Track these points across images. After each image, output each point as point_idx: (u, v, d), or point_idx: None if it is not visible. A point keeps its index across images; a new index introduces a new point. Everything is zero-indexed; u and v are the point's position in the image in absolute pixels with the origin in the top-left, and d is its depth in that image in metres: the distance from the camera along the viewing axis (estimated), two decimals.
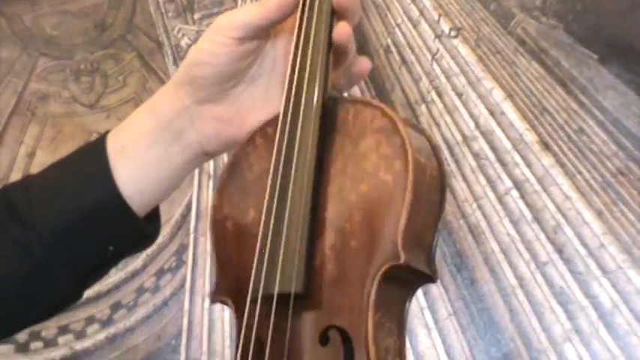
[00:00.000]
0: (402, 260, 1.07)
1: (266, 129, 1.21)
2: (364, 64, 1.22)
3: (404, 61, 2.15)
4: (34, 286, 1.24)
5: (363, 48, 2.15)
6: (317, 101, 1.18)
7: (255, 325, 1.12)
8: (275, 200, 1.15)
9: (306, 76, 1.19)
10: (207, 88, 1.22)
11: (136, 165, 1.22)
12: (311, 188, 1.15)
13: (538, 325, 2.00)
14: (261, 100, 1.24)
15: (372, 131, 1.14)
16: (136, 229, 1.24)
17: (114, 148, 1.22)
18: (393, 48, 2.15)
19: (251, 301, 1.12)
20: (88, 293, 2.00)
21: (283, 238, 1.13)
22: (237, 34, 1.18)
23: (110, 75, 2.13)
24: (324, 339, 1.09)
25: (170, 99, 1.24)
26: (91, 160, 1.24)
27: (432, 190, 1.13)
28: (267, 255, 1.12)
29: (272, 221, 1.14)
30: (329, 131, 1.17)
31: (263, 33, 1.21)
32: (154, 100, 1.26)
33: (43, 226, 1.21)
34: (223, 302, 1.18)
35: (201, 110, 1.21)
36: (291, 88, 1.18)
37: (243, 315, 1.13)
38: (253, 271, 1.12)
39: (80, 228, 1.22)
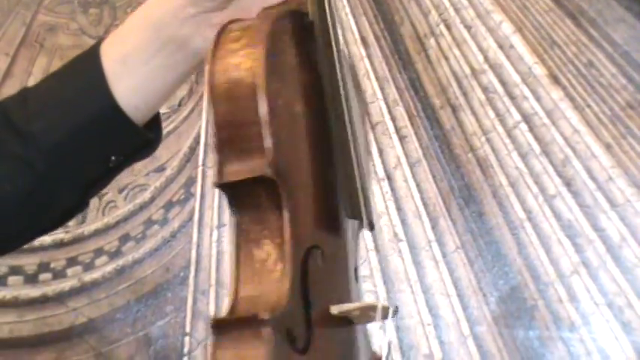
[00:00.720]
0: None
1: (284, 19, 1.18)
2: None
3: None
4: (38, 199, 1.24)
5: None
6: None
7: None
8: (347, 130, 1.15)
9: None
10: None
11: (138, 75, 1.21)
12: None
13: (546, 258, 1.98)
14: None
15: None
16: (137, 138, 1.24)
17: (112, 59, 1.21)
18: None
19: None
20: (97, 225, 2.13)
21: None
22: None
23: (118, 7, 2.12)
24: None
25: (171, 9, 1.21)
26: (86, 71, 1.23)
27: None
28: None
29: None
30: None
31: None
32: (149, 10, 1.24)
33: (42, 139, 1.21)
34: (267, 182, 1.13)
35: (209, 17, 1.20)
36: None
37: (294, 209, 1.11)
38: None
39: (79, 140, 1.22)
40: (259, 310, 1.04)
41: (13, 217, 1.27)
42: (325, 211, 1.16)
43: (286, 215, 1.10)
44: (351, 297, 1.20)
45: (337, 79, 1.18)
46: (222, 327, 1.05)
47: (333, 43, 1.20)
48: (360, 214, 1.18)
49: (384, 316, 1.16)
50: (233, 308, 1.06)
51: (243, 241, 1.11)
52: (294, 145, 1.15)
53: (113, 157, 1.25)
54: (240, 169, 1.09)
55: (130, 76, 1.21)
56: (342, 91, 1.18)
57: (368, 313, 1.16)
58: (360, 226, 1.22)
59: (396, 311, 1.18)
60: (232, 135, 1.11)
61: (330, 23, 1.20)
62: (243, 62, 1.13)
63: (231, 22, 1.18)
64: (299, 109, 1.17)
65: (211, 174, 2.07)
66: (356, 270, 1.23)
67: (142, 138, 1.25)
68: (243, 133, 1.11)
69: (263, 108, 1.10)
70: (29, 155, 1.21)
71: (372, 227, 1.20)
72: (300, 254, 1.11)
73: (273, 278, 1.09)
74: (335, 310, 1.12)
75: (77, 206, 1.30)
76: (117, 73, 1.21)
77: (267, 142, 1.09)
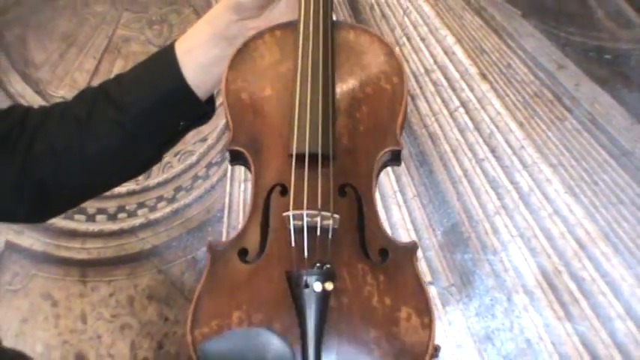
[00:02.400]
0: (401, 146, 1.21)
1: (275, 30, 1.28)
2: None
3: (383, 15, 2.18)
4: (127, 152, 1.33)
5: (353, 4, 2.19)
6: (327, 11, 1.26)
7: (281, 174, 1.19)
8: (309, 81, 1.22)
9: None
10: (249, 10, 1.31)
11: (200, 63, 1.31)
12: (331, 77, 1.23)
13: (477, 203, 2.10)
14: (284, 13, 1.32)
15: (373, 51, 1.26)
16: (198, 109, 1.34)
17: (182, 52, 1.31)
18: (375, 6, 2.18)
19: (288, 155, 1.19)
20: (158, 179, 2.17)
21: (320, 112, 1.20)
22: None
23: (174, 25, 2.16)
24: (342, 192, 1.19)
25: (223, 17, 1.32)
26: (165, 62, 1.33)
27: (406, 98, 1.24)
28: (308, 123, 1.19)
29: (308, 96, 1.21)
30: (334, 40, 1.26)
31: None
32: (209, 18, 1.33)
33: (132, 108, 1.31)
34: (237, 152, 1.22)
35: (246, 23, 1.31)
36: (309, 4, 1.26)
37: (260, 166, 1.20)
38: (295, 134, 1.19)
39: (159, 109, 1.31)
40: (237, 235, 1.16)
41: (108, 164, 1.35)
42: (286, 158, 1.19)
43: (254, 167, 1.20)
44: None
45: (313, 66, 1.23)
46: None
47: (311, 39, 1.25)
48: (324, 147, 1.18)
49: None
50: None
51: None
52: (258, 122, 1.22)
53: (182, 123, 1.35)
54: (226, 142, 1.23)
55: (196, 63, 1.31)
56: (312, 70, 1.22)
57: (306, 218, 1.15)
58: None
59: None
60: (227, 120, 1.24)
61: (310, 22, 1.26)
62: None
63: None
64: (268, 92, 1.24)
65: None
66: None
67: (202, 109, 1.34)
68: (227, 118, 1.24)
69: (224, 104, 1.23)
70: (122, 119, 1.31)
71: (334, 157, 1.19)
72: (264, 193, 1.19)
73: (250, 211, 1.19)
74: (286, 214, 1.15)
75: (153, 159, 1.39)
76: (186, 61, 1.31)
77: (230, 124, 1.23)
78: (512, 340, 2.03)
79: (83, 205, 2.02)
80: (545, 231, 2.06)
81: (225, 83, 1.24)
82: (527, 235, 2.07)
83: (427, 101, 2.17)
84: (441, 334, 2.06)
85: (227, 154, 1.23)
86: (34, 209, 1.37)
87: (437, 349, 1.14)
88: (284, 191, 1.18)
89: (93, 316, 2.12)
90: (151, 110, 1.31)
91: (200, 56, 1.31)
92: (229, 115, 1.23)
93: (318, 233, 1.15)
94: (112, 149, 1.32)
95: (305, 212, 1.15)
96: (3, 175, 1.32)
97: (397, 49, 2.15)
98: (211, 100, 1.36)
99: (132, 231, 2.23)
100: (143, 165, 1.39)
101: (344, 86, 1.24)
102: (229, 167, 2.20)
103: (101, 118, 1.31)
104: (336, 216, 1.15)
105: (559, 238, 2.06)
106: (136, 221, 2.24)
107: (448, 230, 2.12)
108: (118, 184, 1.45)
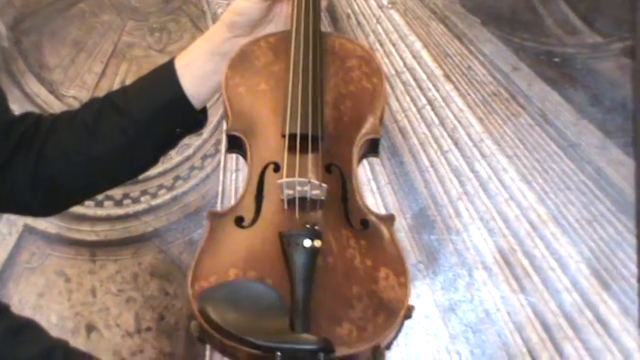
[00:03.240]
0: (379, 135, 1.27)
1: (269, 38, 1.34)
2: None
3: (358, 23, 2.20)
4: (128, 153, 1.36)
5: (332, 14, 2.21)
6: (316, 24, 1.32)
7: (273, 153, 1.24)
8: (300, 75, 1.27)
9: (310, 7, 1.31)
10: (242, 29, 1.34)
11: (196, 75, 1.35)
12: (320, 74, 1.29)
13: (441, 190, 2.16)
14: (273, 31, 1.36)
15: (356, 57, 1.33)
16: (193, 117, 1.37)
17: (180, 66, 1.35)
18: (352, 15, 2.21)
19: (282, 135, 1.24)
20: (158, 169, 2.17)
21: (310, 100, 1.26)
22: None
23: (172, 32, 2.16)
24: (328, 169, 1.24)
25: (218, 34, 1.35)
26: (165, 74, 1.36)
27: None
28: (299, 107, 1.25)
29: (300, 86, 1.26)
30: (322, 46, 1.31)
31: None
32: (207, 35, 1.38)
33: (135, 115, 1.34)
34: (234, 137, 1.26)
35: (238, 40, 1.34)
36: (300, 13, 1.31)
37: (255, 147, 1.25)
38: (288, 117, 1.24)
39: (159, 116, 1.34)
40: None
41: (112, 164, 1.37)
42: (279, 139, 1.25)
43: (250, 151, 1.24)
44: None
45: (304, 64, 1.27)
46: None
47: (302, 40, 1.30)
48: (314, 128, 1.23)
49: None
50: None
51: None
52: (254, 110, 1.27)
53: (178, 130, 1.37)
54: (226, 129, 1.28)
55: (192, 75, 1.34)
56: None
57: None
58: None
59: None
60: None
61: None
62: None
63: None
64: (263, 86, 1.30)
65: None
66: None
67: (197, 118, 1.37)
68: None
69: (223, 96, 1.29)
70: (125, 125, 1.34)
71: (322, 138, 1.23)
72: (259, 170, 1.23)
73: (245, 187, 1.23)
74: (280, 181, 1.19)
75: (151, 162, 1.42)
76: (184, 73, 1.34)
77: (228, 113, 1.27)
78: (472, 311, 2.10)
79: None
80: (502, 214, 2.13)
81: (225, 79, 1.29)
82: (486, 218, 2.13)
83: (397, 99, 2.20)
84: None
85: (225, 141, 1.31)
86: (45, 204, 1.40)
87: (410, 309, 1.18)
88: (277, 168, 1.23)
89: (101, 290, 2.15)
90: (152, 117, 1.34)
91: (196, 69, 1.34)
92: (228, 106, 1.28)
93: (308, 202, 1.19)
94: (115, 151, 1.35)
95: (297, 180, 1.19)
96: (19, 173, 1.34)
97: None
98: (204, 110, 1.39)
99: (136, 215, 2.22)
100: (142, 166, 1.42)
101: (331, 82, 1.30)
102: (222, 159, 2.21)
103: (107, 123, 1.34)
104: (324, 185, 1.20)
105: (514, 221, 2.12)
106: (140, 207, 2.23)
107: (416, 214, 2.16)
108: (119, 183, 1.48)
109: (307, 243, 1.13)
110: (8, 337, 1.07)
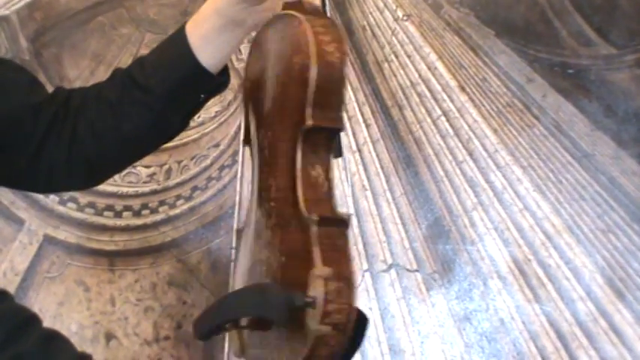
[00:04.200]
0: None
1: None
2: None
3: (374, 35, 2.19)
4: (157, 126, 1.37)
5: (348, 26, 2.21)
6: None
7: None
8: None
9: None
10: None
11: (214, 45, 1.32)
12: None
13: (456, 200, 2.15)
14: None
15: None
16: (214, 82, 1.35)
17: (195, 39, 1.32)
18: (367, 27, 2.20)
19: None
20: (177, 180, 2.22)
21: None
22: None
23: None
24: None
25: (232, 7, 1.31)
26: (180, 50, 1.34)
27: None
28: None
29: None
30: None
31: None
32: (217, 8, 1.32)
33: (157, 89, 1.33)
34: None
35: (255, 8, 1.30)
36: None
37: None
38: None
39: (180, 87, 1.33)
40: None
41: (143, 139, 1.39)
42: None
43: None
44: None
45: None
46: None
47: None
48: None
49: None
50: None
51: None
52: None
53: (202, 95, 1.37)
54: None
55: (208, 46, 1.32)
56: None
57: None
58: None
59: None
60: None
61: None
62: None
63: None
64: None
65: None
66: None
67: (217, 81, 1.35)
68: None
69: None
70: (149, 101, 1.33)
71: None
72: None
73: None
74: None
75: (181, 129, 1.41)
76: (199, 45, 1.32)
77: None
78: (487, 320, 2.09)
79: (111, 203, 2.19)
80: (517, 224, 2.12)
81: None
82: (501, 228, 2.12)
83: (413, 111, 2.20)
84: (425, 315, 2.11)
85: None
86: (83, 180, 1.44)
87: None
88: None
89: (120, 299, 2.16)
90: (174, 91, 1.33)
91: (213, 39, 1.32)
92: None
93: None
94: (144, 127, 1.35)
95: None
96: (55, 154, 1.35)
97: (386, 64, 2.21)
98: (225, 70, 1.37)
99: (154, 225, 2.23)
100: (173, 134, 1.42)
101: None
102: (239, 169, 2.20)
103: (130, 101, 1.34)
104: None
105: (528, 230, 2.11)
106: (158, 217, 2.24)
107: (432, 224, 2.16)
108: (152, 151, 1.48)
109: None
110: (43, 345, 1.07)
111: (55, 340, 1.10)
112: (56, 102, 1.37)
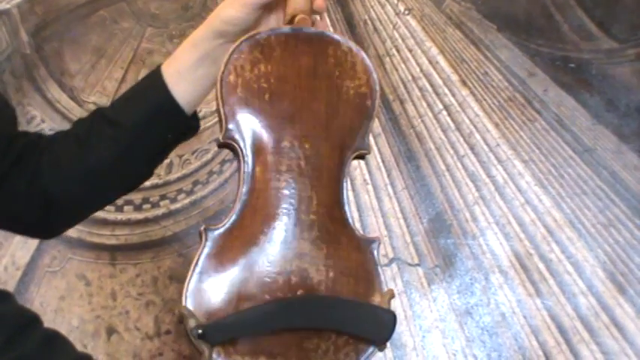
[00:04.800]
0: None
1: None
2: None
3: (375, 29, 2.18)
4: (122, 163, 1.33)
5: (349, 20, 2.20)
6: None
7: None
8: None
9: None
10: (232, 36, 1.27)
11: (188, 81, 1.30)
12: None
13: (458, 194, 2.14)
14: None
15: None
16: (185, 123, 1.33)
17: (170, 73, 1.30)
18: (369, 21, 2.18)
19: None
20: (178, 174, 2.18)
21: None
22: (254, 6, 1.26)
23: None
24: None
25: (209, 41, 1.29)
26: (152, 82, 1.32)
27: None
28: None
29: None
30: None
31: (267, 6, 1.27)
32: (194, 41, 1.31)
33: (125, 124, 1.30)
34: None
35: (229, 45, 1.25)
36: None
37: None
38: None
39: (149, 124, 1.31)
40: None
41: (106, 176, 1.34)
42: None
43: None
44: None
45: None
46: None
47: None
48: None
49: None
50: None
51: None
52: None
53: (169, 135, 1.33)
54: None
55: (182, 82, 1.30)
56: None
57: None
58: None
59: None
60: None
61: None
62: None
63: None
64: None
65: None
66: None
67: (188, 123, 1.33)
68: None
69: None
70: (117, 135, 1.31)
71: None
72: None
73: None
74: None
75: (145, 174, 1.38)
76: (173, 80, 1.30)
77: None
78: (489, 315, 2.10)
79: None
80: (518, 218, 2.12)
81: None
82: (502, 222, 2.13)
83: (414, 105, 2.20)
84: (427, 310, 2.11)
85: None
86: (41, 220, 1.37)
87: None
88: None
89: (122, 294, 2.15)
90: (142, 124, 1.31)
91: (187, 75, 1.30)
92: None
93: None
94: (109, 161, 1.32)
95: None
96: (15, 187, 1.32)
97: (387, 58, 2.20)
98: (196, 116, 1.36)
99: (155, 220, 2.22)
100: (136, 178, 1.39)
101: None
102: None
103: (98, 134, 1.32)
104: None
105: (530, 225, 2.12)
106: (159, 211, 2.22)
107: (433, 218, 2.15)
108: (114, 197, 1.44)
109: None
110: (45, 345, 1.06)
111: (55, 341, 1.09)
112: (27, 138, 1.36)
